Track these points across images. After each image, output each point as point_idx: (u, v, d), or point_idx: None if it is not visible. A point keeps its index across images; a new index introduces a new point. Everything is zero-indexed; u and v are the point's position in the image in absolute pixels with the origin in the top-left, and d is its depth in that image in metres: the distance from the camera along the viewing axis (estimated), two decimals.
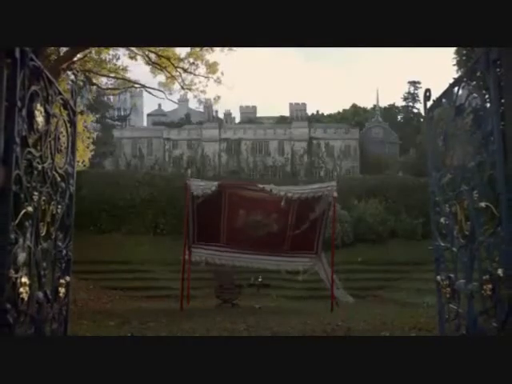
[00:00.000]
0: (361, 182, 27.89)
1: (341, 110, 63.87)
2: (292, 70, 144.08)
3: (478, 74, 3.56)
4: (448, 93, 4.13)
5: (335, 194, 11.40)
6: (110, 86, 20.32)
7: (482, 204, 3.44)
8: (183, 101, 44.26)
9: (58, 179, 4.02)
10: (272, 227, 12.13)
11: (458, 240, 3.91)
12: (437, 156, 4.52)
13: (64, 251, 4.20)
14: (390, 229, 22.26)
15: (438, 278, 4.43)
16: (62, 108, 4.19)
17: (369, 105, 64.58)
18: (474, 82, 3.69)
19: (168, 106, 73.81)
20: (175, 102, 30.83)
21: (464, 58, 16.58)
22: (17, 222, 3.18)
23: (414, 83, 58.02)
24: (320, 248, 12.66)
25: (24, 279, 3.24)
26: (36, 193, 3.49)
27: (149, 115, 73.06)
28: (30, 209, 3.36)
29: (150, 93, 20.59)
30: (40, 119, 3.54)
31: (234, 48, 17.71)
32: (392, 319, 8.76)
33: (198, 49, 17.71)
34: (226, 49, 18.00)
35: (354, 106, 63.10)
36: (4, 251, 2.96)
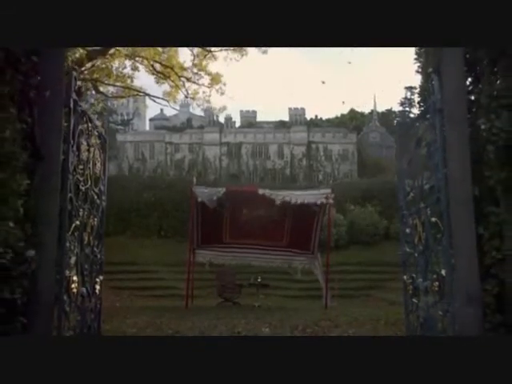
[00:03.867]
0: (356, 186, 28.77)
1: (339, 115, 64.62)
2: (292, 74, 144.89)
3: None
4: (412, 126, 5.10)
5: (331, 201, 12.34)
6: (115, 94, 21.13)
7: (433, 219, 4.40)
8: (185, 106, 45.06)
9: (95, 197, 4.98)
10: (272, 220, 13.06)
11: (418, 247, 4.86)
12: (403, 177, 5.47)
13: (98, 255, 5.16)
14: (384, 232, 23.10)
15: (405, 277, 5.38)
16: (97, 138, 5.16)
17: (366, 110, 65.63)
18: (429, 120, 4.62)
19: (170, 111, 74.47)
20: (176, 109, 31.59)
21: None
22: (70, 233, 4.14)
23: (410, 88, 58.85)
24: (316, 249, 13.67)
25: (75, 277, 4.21)
26: (81, 209, 4.46)
27: (151, 120, 73.54)
28: (77, 223, 4.33)
29: (153, 101, 21.37)
30: (84, 150, 4.52)
31: (236, 57, 18.36)
32: (378, 316, 9.60)
33: (202, 57, 18.29)
34: (228, 58, 18.72)
35: (352, 111, 63.89)
36: (63, 256, 3.92)
